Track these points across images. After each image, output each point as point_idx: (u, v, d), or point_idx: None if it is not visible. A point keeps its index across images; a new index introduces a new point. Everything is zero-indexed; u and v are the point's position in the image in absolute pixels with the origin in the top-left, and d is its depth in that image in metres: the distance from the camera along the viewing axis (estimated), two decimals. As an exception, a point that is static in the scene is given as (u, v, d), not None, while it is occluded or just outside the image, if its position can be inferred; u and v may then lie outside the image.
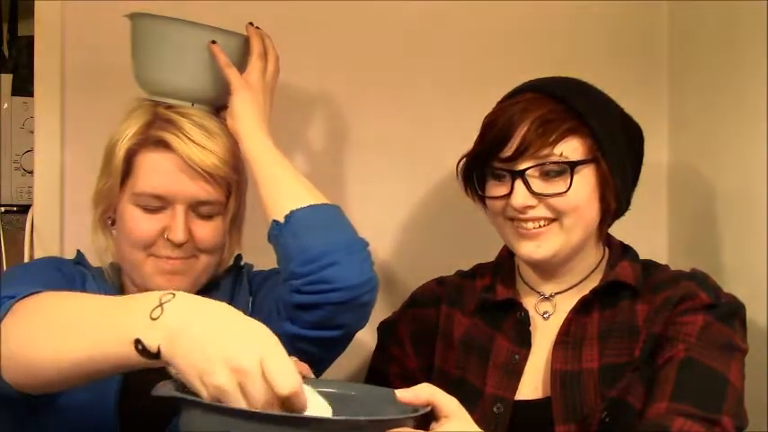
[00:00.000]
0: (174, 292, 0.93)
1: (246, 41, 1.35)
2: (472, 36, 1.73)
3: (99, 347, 0.93)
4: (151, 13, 1.33)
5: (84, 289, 1.29)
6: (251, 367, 0.85)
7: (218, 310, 0.92)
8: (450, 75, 1.73)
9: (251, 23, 1.37)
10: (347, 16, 1.69)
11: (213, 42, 1.31)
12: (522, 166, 1.26)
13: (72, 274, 1.31)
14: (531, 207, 1.26)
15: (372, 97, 1.70)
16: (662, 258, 1.68)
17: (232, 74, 1.31)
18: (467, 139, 1.37)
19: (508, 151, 1.26)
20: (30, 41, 1.73)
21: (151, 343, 0.90)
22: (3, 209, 1.85)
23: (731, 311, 1.25)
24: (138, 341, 0.90)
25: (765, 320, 1.42)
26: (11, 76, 1.92)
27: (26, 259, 1.63)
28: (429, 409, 0.93)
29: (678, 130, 1.75)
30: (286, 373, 0.86)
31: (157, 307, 0.90)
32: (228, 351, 0.86)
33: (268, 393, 0.85)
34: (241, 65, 1.34)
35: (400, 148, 1.71)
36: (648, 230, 1.68)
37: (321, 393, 1.01)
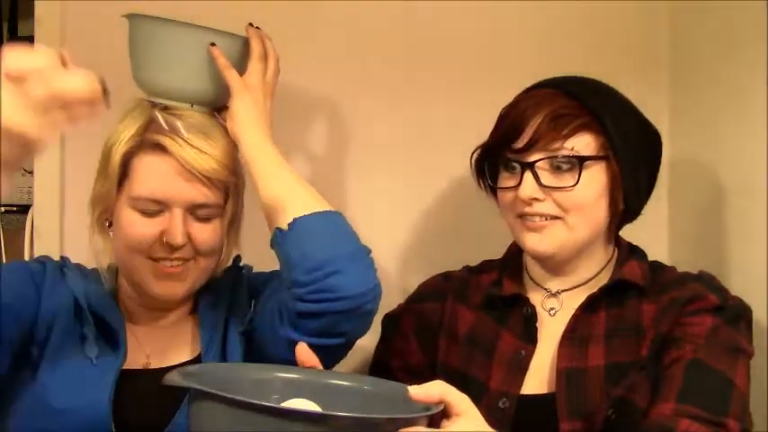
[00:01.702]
0: None
1: (246, 43, 1.34)
2: (473, 37, 1.73)
3: None
4: (150, 14, 1.32)
5: (52, 291, 1.28)
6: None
7: None
8: (451, 76, 1.72)
9: (251, 24, 1.36)
10: (349, 17, 1.68)
11: (213, 45, 1.30)
12: (532, 158, 1.26)
13: (41, 278, 1.29)
14: (539, 200, 1.27)
15: (374, 99, 1.70)
16: (663, 254, 1.69)
17: (232, 77, 1.30)
18: (468, 140, 1.37)
19: (520, 143, 1.27)
20: (30, 41, 1.73)
21: None
22: (3, 209, 1.85)
23: (738, 314, 1.25)
24: None
25: (766, 319, 1.42)
26: (11, 76, 1.92)
27: (26, 259, 1.63)
28: (442, 407, 0.93)
29: (679, 127, 1.75)
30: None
31: None
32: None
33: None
34: (241, 66, 1.33)
35: (403, 149, 1.71)
36: (649, 226, 1.67)
37: (334, 386, 1.01)
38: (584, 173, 1.25)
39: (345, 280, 1.17)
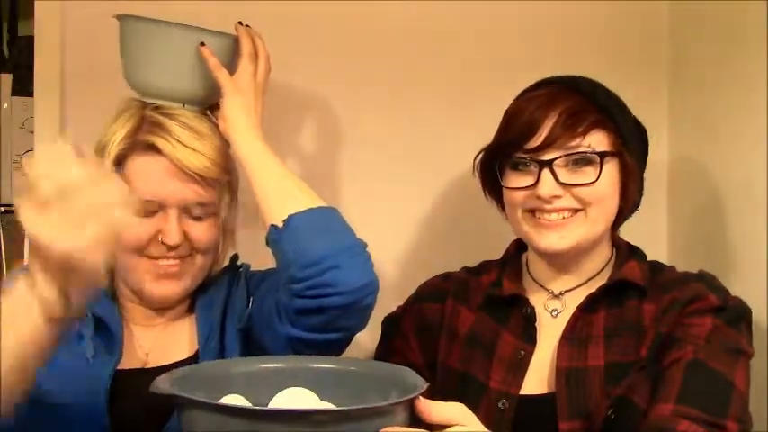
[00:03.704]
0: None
1: (236, 41, 1.34)
2: (471, 36, 1.73)
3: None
4: (146, 14, 1.32)
5: None
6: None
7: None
8: (448, 75, 1.72)
9: (240, 22, 1.35)
10: (345, 15, 1.68)
11: (202, 44, 1.30)
12: (549, 156, 1.26)
13: None
14: (558, 197, 1.27)
15: (369, 97, 1.70)
16: (662, 254, 1.69)
17: (223, 77, 1.30)
18: (467, 140, 1.37)
19: (536, 141, 1.26)
20: (30, 41, 1.73)
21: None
22: (3, 209, 1.85)
23: (739, 315, 1.25)
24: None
25: (766, 319, 1.42)
26: (11, 76, 1.93)
27: (26, 259, 1.62)
28: (427, 386, 0.93)
29: (678, 128, 1.75)
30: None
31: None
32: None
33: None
34: (231, 65, 1.33)
35: (398, 148, 1.71)
36: (648, 227, 1.68)
37: (318, 370, 1.01)
38: (603, 168, 1.26)
39: (343, 275, 1.17)
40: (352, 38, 1.70)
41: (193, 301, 1.36)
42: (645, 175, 1.37)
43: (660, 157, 1.75)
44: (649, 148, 1.37)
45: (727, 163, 1.58)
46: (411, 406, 0.90)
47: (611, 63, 1.73)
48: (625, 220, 1.36)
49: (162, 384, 0.92)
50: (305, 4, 1.66)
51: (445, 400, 0.98)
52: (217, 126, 1.31)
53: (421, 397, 0.91)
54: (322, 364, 1.05)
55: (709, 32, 1.65)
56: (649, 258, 1.37)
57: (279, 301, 1.22)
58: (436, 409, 0.91)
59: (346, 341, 1.26)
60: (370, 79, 1.70)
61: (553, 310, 1.34)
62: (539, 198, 1.27)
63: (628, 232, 1.39)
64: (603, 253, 1.35)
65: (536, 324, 1.33)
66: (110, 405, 1.20)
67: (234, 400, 0.94)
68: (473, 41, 1.73)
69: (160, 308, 1.34)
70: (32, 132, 1.68)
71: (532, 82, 1.35)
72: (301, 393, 0.96)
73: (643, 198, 1.37)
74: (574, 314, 1.30)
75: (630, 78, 1.67)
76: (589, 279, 1.34)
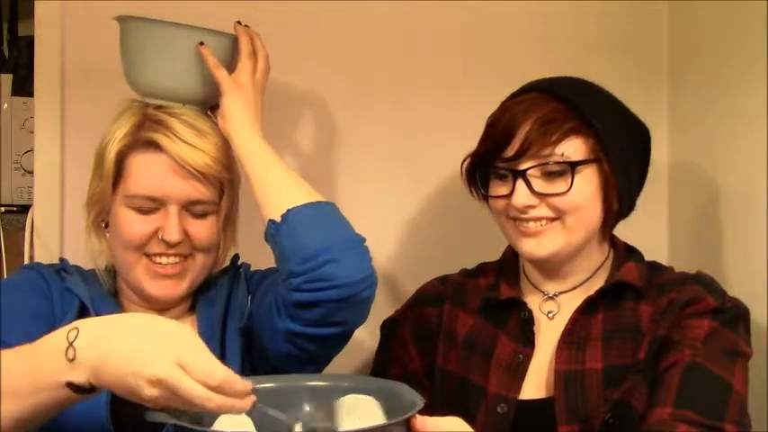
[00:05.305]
0: (76, 325, 0.96)
1: (235, 40, 1.34)
2: (470, 36, 1.73)
3: (34, 401, 0.96)
4: (148, 15, 1.32)
5: (61, 299, 1.30)
6: (168, 373, 0.89)
7: (125, 326, 0.96)
8: (446, 76, 1.72)
9: (239, 22, 1.36)
10: (343, 16, 1.68)
11: (201, 44, 1.30)
12: (523, 166, 1.26)
13: (47, 289, 1.30)
14: (533, 207, 1.26)
15: (367, 98, 1.70)
16: (662, 257, 1.69)
17: (222, 75, 1.30)
18: (462, 141, 1.37)
19: (510, 151, 1.26)
20: (30, 41, 1.73)
21: (81, 381, 0.94)
22: (3, 209, 1.85)
23: (737, 316, 1.25)
24: (69, 384, 0.94)
25: (765, 319, 1.42)
26: (11, 76, 1.92)
27: (26, 259, 1.63)
28: (423, 404, 0.93)
29: (678, 129, 1.75)
30: (209, 366, 0.90)
31: (69, 347, 0.94)
32: (141, 366, 0.89)
33: (201, 389, 0.89)
34: (231, 64, 1.33)
35: (396, 148, 1.71)
36: (649, 229, 1.68)
37: (313, 388, 1.02)
38: (576, 177, 1.25)
39: (340, 268, 1.17)
40: (351, 38, 1.69)
41: (194, 300, 1.36)
42: (645, 175, 1.36)
43: (660, 159, 1.74)
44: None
45: (727, 164, 1.58)
46: (407, 423, 0.90)
47: (611, 63, 1.72)
48: (616, 222, 1.34)
49: (158, 415, 0.92)
50: (303, 4, 1.66)
51: (445, 404, 0.99)
52: (217, 125, 1.32)
53: (417, 414, 0.91)
54: (317, 381, 1.05)
55: (709, 32, 1.65)
56: (649, 259, 1.37)
57: (278, 295, 1.23)
58: (432, 424, 0.92)
59: (345, 336, 1.26)
60: (368, 79, 1.70)
61: (549, 312, 1.34)
62: (515, 208, 1.27)
63: (628, 233, 1.39)
64: (596, 255, 1.34)
65: (534, 327, 1.33)
66: (112, 406, 1.20)
67: (231, 422, 0.94)
68: (472, 42, 1.73)
69: (161, 308, 1.34)
70: (32, 132, 1.67)
71: (530, 82, 1.35)
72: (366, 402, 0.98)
73: (644, 199, 1.36)
74: (572, 317, 1.30)
75: (630, 79, 1.67)
76: (584, 281, 1.34)
